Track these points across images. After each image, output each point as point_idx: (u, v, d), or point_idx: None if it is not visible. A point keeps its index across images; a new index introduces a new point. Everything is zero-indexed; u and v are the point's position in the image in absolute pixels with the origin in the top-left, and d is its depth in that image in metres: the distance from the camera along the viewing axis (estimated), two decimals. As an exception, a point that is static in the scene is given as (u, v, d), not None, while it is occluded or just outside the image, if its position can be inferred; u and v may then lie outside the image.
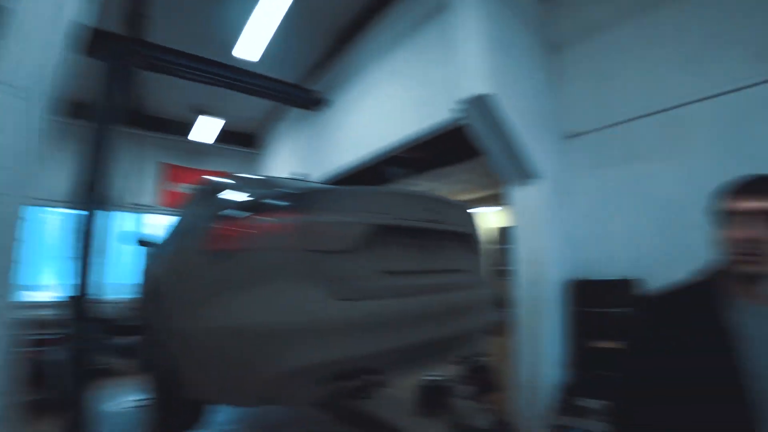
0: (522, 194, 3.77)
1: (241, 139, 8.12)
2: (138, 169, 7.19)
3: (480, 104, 3.10)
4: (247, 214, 1.55)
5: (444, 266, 1.89)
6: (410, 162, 5.34)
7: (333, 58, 5.31)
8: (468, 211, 2.24)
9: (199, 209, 2.01)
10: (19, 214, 1.65)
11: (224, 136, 7.73)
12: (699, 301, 1.04)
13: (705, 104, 3.41)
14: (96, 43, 3.63)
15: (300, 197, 1.55)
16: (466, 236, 2.09)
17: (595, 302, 3.48)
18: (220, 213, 1.69)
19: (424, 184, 6.51)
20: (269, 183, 1.99)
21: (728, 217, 0.98)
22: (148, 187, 7.42)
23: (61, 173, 4.76)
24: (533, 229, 3.72)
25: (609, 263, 3.79)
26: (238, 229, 1.52)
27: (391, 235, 1.67)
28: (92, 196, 3.45)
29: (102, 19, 4.03)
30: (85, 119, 3.59)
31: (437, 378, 3.67)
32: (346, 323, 1.44)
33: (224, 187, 2.36)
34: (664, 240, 3.54)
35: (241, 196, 1.77)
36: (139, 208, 7.09)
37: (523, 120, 3.56)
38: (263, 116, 7.43)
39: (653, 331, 1.10)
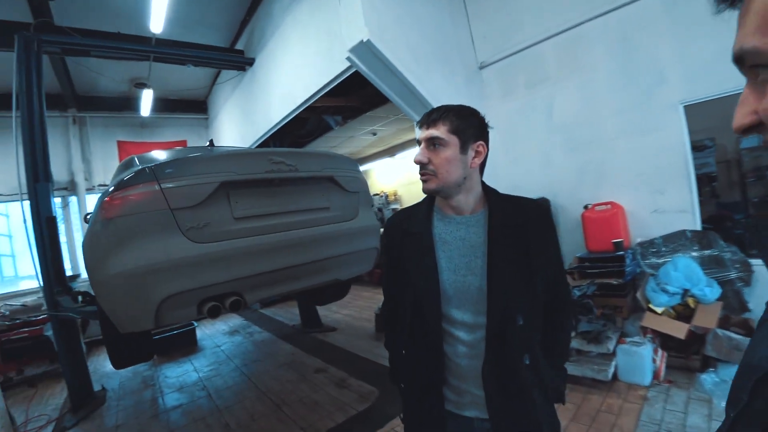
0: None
1: (191, 107, 8.26)
2: (101, 150, 7.46)
3: (363, 50, 3.31)
4: (119, 188, 1.96)
5: (301, 207, 2.32)
6: (338, 110, 5.58)
7: (251, 15, 5.36)
8: (331, 158, 2.63)
9: (105, 187, 2.41)
10: None
11: (175, 105, 7.89)
12: (415, 217, 1.18)
13: (597, 22, 3.61)
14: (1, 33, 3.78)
15: (156, 169, 1.94)
16: (328, 179, 2.49)
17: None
18: (108, 189, 2.09)
19: (362, 128, 6.79)
20: (146, 159, 2.37)
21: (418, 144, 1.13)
22: (113, 166, 7.74)
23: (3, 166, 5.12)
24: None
25: (526, 186, 4.19)
26: (114, 201, 1.94)
27: (240, 188, 2.09)
28: (38, 183, 3.81)
29: (4, 7, 4.14)
30: (9, 109, 3.80)
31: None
32: (202, 260, 1.90)
33: (122, 165, 2.75)
34: (570, 159, 3.91)
35: (122, 174, 2.17)
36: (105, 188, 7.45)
37: (420, 58, 3.77)
38: (208, 82, 7.53)
39: (385, 249, 1.27)
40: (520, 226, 1.07)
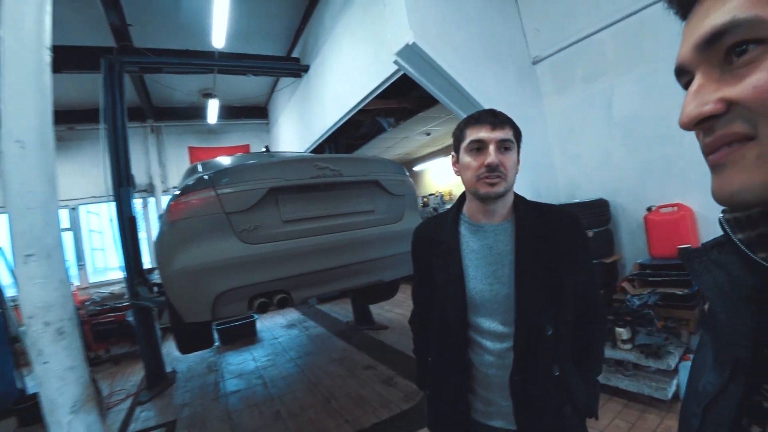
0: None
1: (253, 113, 8.83)
2: (174, 156, 8.23)
3: (409, 53, 3.34)
4: (182, 194, 2.17)
5: (346, 210, 2.40)
6: (391, 112, 5.65)
7: (305, 24, 5.60)
8: (376, 162, 2.70)
9: (173, 192, 2.68)
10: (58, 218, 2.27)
11: (238, 112, 8.47)
12: (442, 226, 1.18)
13: (659, 7, 3.32)
14: (89, 58, 4.33)
15: (213, 177, 2.12)
16: (373, 183, 2.56)
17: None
18: (174, 194, 2.33)
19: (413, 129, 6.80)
20: (207, 166, 2.59)
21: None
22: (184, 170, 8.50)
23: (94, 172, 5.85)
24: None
25: (584, 186, 3.98)
26: (177, 205, 2.16)
27: (287, 193, 2.22)
28: (121, 188, 4.31)
29: (92, 35, 4.73)
30: (98, 122, 4.34)
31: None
32: (253, 260, 2.05)
33: (188, 172, 3.02)
34: (631, 157, 3.65)
35: (186, 180, 2.41)
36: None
37: (467, 58, 3.72)
38: (268, 89, 7.99)
39: (413, 257, 1.29)
40: (548, 234, 1.05)
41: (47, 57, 2.11)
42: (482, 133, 1.04)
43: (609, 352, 2.89)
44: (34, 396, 4.03)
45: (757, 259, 0.37)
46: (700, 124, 0.35)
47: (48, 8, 2.11)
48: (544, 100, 4.28)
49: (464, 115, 4.02)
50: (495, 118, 1.05)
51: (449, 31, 3.59)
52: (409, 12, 3.23)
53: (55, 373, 1.98)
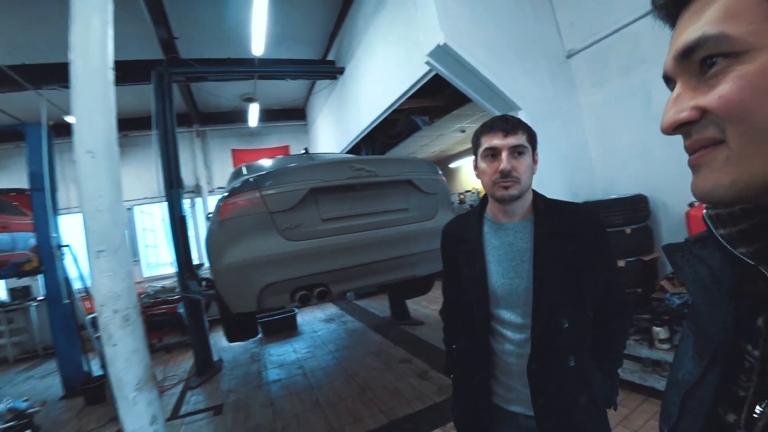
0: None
1: (291, 115, 9.15)
2: (219, 158, 8.69)
3: (441, 54, 3.40)
4: (230, 196, 2.37)
5: (381, 208, 2.53)
6: (425, 110, 5.71)
7: (339, 28, 5.77)
8: (410, 162, 2.80)
9: (223, 189, 2.91)
10: (124, 219, 2.56)
11: (277, 115, 8.81)
12: (467, 224, 1.25)
13: None
14: (141, 71, 4.71)
15: (258, 180, 2.31)
16: (407, 182, 2.67)
17: (610, 222, 3.29)
18: (222, 195, 2.54)
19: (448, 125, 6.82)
20: (252, 169, 2.79)
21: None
22: (229, 171, 8.97)
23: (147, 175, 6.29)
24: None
25: (622, 181, 3.89)
26: (226, 206, 2.36)
27: (326, 193, 2.37)
28: (172, 190, 4.66)
29: (143, 49, 5.11)
30: (149, 129, 4.72)
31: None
32: (294, 255, 2.22)
33: (234, 174, 3.24)
34: (672, 150, 3.53)
35: (233, 182, 2.62)
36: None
37: (499, 56, 3.73)
38: (305, 92, 8.26)
39: (442, 253, 1.36)
40: (565, 232, 1.11)
41: (111, 76, 2.36)
42: (495, 141, 1.10)
43: (646, 352, 2.85)
44: (99, 378, 4.46)
45: (736, 253, 0.40)
46: (678, 129, 0.37)
47: (110, 32, 2.35)
48: (579, 94, 4.21)
49: (497, 113, 4.03)
50: (507, 125, 1.10)
51: (480, 29, 3.62)
52: (440, 13, 3.28)
53: (122, 354, 2.22)
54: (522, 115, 3.66)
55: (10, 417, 3.35)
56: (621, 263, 3.16)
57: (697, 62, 0.35)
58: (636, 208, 3.37)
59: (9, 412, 3.41)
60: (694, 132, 0.36)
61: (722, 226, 0.42)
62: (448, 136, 8.05)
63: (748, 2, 0.31)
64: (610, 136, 4.02)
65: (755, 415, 0.38)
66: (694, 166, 0.37)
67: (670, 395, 0.49)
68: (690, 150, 0.38)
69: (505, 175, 1.08)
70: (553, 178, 3.76)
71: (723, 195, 0.35)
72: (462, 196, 10.12)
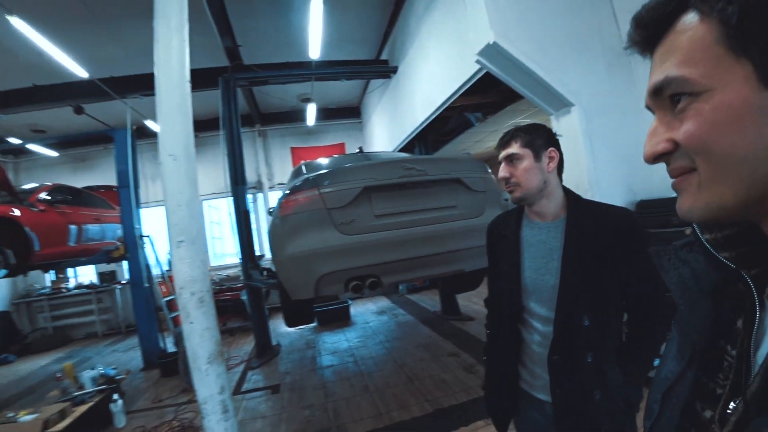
0: (565, 123, 3.88)
1: (347, 113, 9.47)
2: (279, 156, 9.22)
3: (491, 52, 3.42)
4: (291, 193, 2.61)
5: (430, 205, 2.64)
6: (478, 107, 5.70)
7: (391, 27, 5.91)
8: (458, 161, 2.89)
9: (283, 185, 3.19)
10: (201, 213, 2.89)
11: (333, 114, 9.17)
12: (508, 222, 1.36)
13: None
14: (209, 78, 5.17)
15: (317, 178, 2.52)
16: (455, 181, 2.76)
17: (668, 222, 3.07)
18: (284, 192, 2.79)
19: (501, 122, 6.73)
20: (311, 167, 3.02)
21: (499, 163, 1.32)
22: (288, 168, 9.49)
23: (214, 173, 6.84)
24: (576, 156, 3.81)
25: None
26: (288, 202, 2.60)
27: (379, 191, 2.53)
28: (237, 186, 5.09)
29: (210, 57, 5.58)
30: (215, 130, 5.18)
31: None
32: (349, 248, 2.41)
33: (295, 172, 3.50)
34: None
35: (294, 180, 2.87)
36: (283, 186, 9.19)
37: (551, 52, 3.66)
38: (360, 91, 8.53)
39: (487, 249, 1.47)
40: (596, 233, 1.16)
41: (188, 88, 2.67)
42: (499, 154, 1.29)
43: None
44: (173, 353, 5.00)
45: (719, 257, 0.43)
46: (657, 159, 0.41)
47: (186, 50, 2.66)
48: (639, 87, 4.02)
49: (550, 110, 3.95)
50: (502, 140, 1.29)
51: (531, 26, 3.57)
52: (489, 11, 3.30)
53: (197, 331, 2.51)
54: (575, 112, 3.60)
55: (102, 381, 3.90)
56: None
57: (667, 98, 0.39)
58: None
59: (101, 377, 3.97)
60: (672, 161, 0.40)
61: (708, 232, 0.45)
62: (502, 131, 7.91)
63: (704, 47, 0.35)
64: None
65: (728, 411, 0.40)
66: (675, 189, 0.41)
67: (654, 392, 0.53)
68: (671, 175, 0.42)
69: (505, 182, 1.27)
70: (610, 175, 3.65)
71: (699, 215, 0.39)
72: (514, 193, 9.90)
